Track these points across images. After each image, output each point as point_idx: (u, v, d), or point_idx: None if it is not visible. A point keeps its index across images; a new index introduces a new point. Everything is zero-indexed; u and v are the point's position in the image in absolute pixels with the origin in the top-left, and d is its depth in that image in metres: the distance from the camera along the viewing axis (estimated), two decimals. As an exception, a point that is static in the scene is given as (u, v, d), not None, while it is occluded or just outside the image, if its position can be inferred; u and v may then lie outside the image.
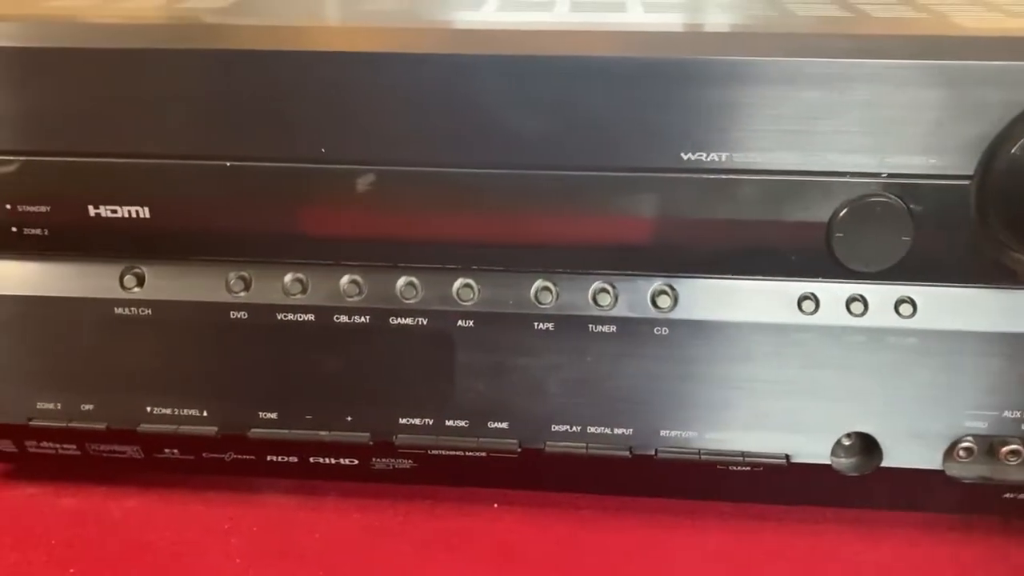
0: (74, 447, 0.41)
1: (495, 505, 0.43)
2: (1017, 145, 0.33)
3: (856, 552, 0.40)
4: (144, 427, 0.39)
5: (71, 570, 0.39)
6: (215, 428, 0.39)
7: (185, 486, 0.43)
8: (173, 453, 0.41)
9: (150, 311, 0.38)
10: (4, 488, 0.44)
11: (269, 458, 0.40)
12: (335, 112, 0.34)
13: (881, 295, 0.36)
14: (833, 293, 0.36)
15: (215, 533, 0.41)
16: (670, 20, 0.41)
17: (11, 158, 0.36)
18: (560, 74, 0.34)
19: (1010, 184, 0.33)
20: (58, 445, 0.41)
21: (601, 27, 0.39)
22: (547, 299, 0.37)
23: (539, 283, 0.37)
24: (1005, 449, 0.37)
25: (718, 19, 0.40)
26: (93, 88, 0.35)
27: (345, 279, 0.38)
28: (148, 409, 0.39)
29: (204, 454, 0.41)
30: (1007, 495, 0.38)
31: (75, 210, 0.37)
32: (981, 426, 0.37)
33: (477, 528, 0.41)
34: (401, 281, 0.38)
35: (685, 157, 0.34)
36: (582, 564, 0.39)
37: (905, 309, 0.36)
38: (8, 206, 0.37)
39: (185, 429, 0.39)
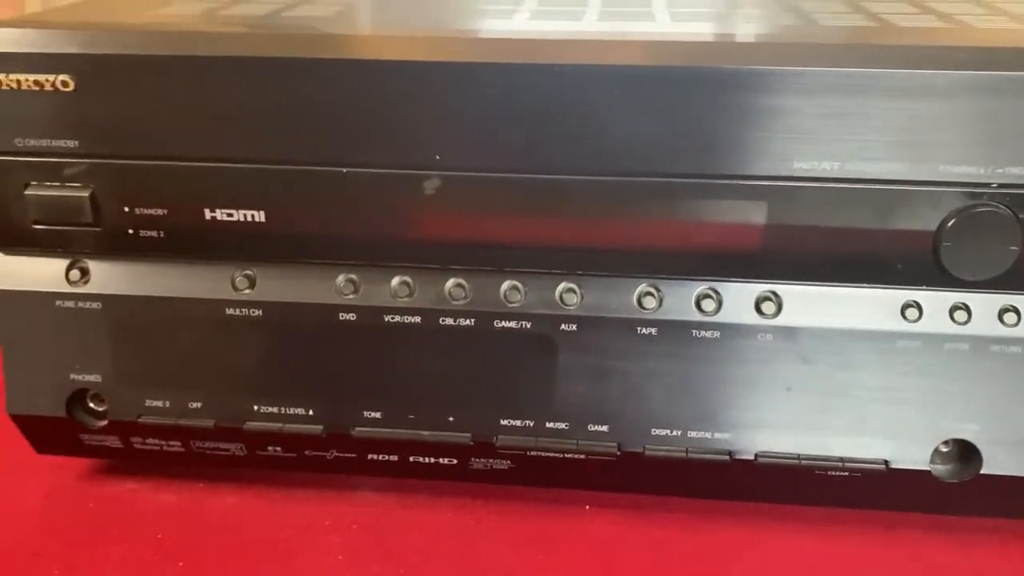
0: (179, 444, 0.42)
1: (587, 507, 0.43)
2: None
3: (949, 559, 0.40)
4: (250, 425, 0.41)
5: (180, 563, 0.40)
6: (320, 427, 0.40)
7: (281, 483, 0.44)
8: (276, 450, 0.42)
9: (260, 312, 0.39)
10: (103, 483, 0.45)
11: (370, 456, 0.41)
12: (450, 120, 0.35)
13: (985, 304, 0.36)
14: (937, 301, 0.37)
15: (315, 530, 0.42)
16: (757, 31, 0.42)
17: (130, 162, 0.37)
18: (672, 83, 0.34)
19: (1122, 195, 0.33)
20: (163, 442, 0.42)
21: (698, 37, 0.39)
22: (651, 304, 0.38)
23: (643, 288, 0.38)
24: (1105, 458, 0.38)
25: (819, 29, 0.41)
26: (212, 95, 0.36)
27: (451, 282, 0.39)
28: (255, 408, 0.40)
29: (307, 452, 0.41)
30: (1106, 504, 0.39)
31: (192, 213, 0.38)
32: (1083, 435, 0.37)
33: (572, 529, 0.42)
34: (506, 285, 0.38)
35: (797, 166, 0.35)
36: (678, 566, 0.40)
37: (1010, 318, 0.36)
38: (126, 209, 0.38)
39: (291, 427, 0.40)
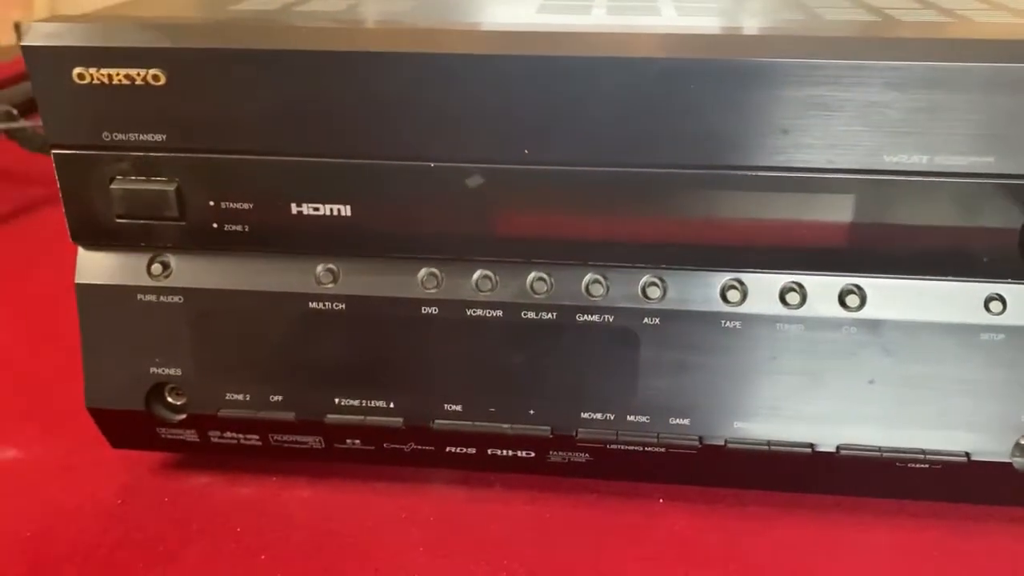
0: (256, 437, 0.42)
1: (660, 500, 0.44)
2: None
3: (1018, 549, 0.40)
4: (331, 418, 0.41)
5: (262, 556, 0.40)
6: (401, 419, 0.40)
7: (354, 477, 0.45)
8: (355, 443, 0.42)
9: (343, 306, 0.39)
10: (177, 478, 0.45)
11: (448, 449, 0.42)
12: (536, 115, 0.36)
13: (1069, 296, 0.37)
14: (1020, 295, 0.37)
15: (394, 523, 0.42)
16: (844, 18, 0.42)
17: (218, 156, 0.38)
18: (762, 77, 0.34)
19: None
20: (240, 435, 0.42)
21: (776, 31, 0.40)
22: (734, 297, 0.38)
23: (726, 281, 0.38)
24: None
25: (895, 22, 0.41)
26: (301, 90, 0.36)
27: (533, 276, 0.39)
28: (336, 400, 0.41)
29: (385, 444, 0.42)
30: None
31: (278, 208, 0.38)
32: None
33: (648, 522, 0.42)
34: (588, 278, 0.39)
35: (887, 159, 0.35)
36: (755, 558, 0.40)
37: (1094, 310, 0.37)
38: (211, 203, 0.39)
39: (371, 420, 0.41)
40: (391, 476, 0.45)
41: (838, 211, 0.36)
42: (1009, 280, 0.37)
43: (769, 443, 0.39)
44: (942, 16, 0.42)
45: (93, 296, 0.41)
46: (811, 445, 0.39)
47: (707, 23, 0.41)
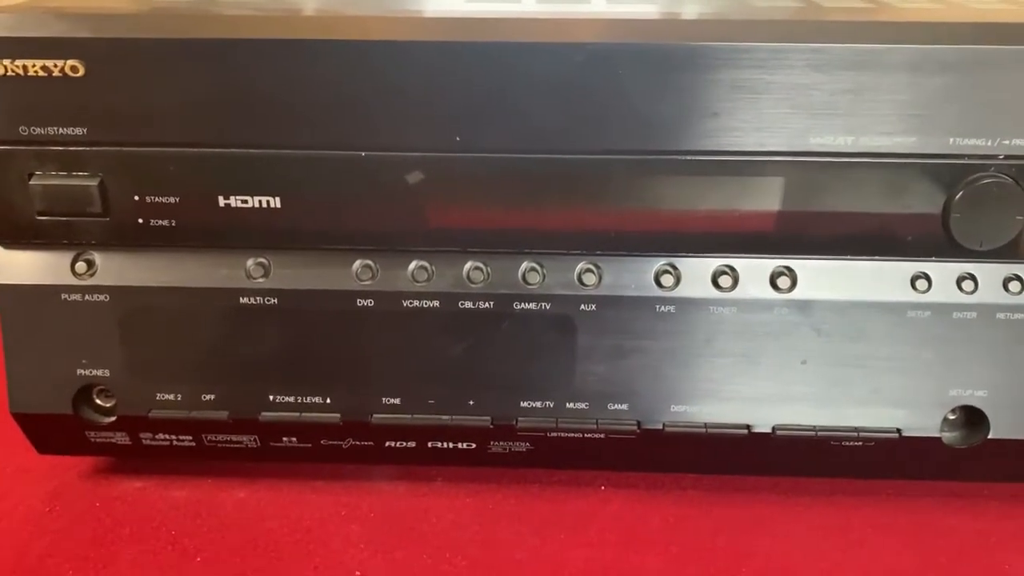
0: (190, 438, 0.41)
1: (602, 487, 0.44)
2: None
3: (959, 524, 0.41)
4: (266, 415, 0.40)
5: (197, 559, 0.39)
6: (338, 415, 0.40)
7: (291, 476, 0.44)
8: (291, 441, 0.41)
9: (276, 300, 0.39)
10: (111, 483, 0.44)
11: (387, 444, 0.41)
12: (468, 101, 0.35)
13: (991, 273, 0.38)
14: (945, 272, 0.38)
15: (333, 520, 0.41)
16: (755, 9, 0.43)
17: (141, 149, 0.37)
18: (688, 61, 0.35)
19: (1121, 164, 0.34)
20: (173, 437, 0.41)
21: (705, 16, 0.40)
22: (668, 282, 0.38)
23: (660, 266, 0.38)
24: (1104, 420, 0.39)
25: (824, 7, 0.42)
26: (227, 79, 0.35)
27: (469, 265, 0.39)
28: (270, 398, 0.40)
29: (322, 441, 0.41)
30: (1106, 464, 0.40)
31: (205, 201, 0.37)
32: (1084, 397, 0.39)
33: (590, 509, 0.42)
34: (524, 266, 0.39)
35: (813, 141, 0.35)
36: (697, 541, 0.40)
37: (1014, 286, 0.37)
38: (136, 198, 0.38)
39: (308, 417, 0.40)
40: (330, 474, 0.44)
41: (767, 194, 0.37)
42: (934, 258, 0.38)
43: (706, 425, 0.39)
44: (867, 3, 0.43)
45: (14, 297, 0.39)
46: (747, 426, 0.39)
47: (638, 9, 0.41)
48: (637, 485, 0.44)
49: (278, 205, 0.37)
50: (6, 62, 0.35)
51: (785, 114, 0.35)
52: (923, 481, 0.42)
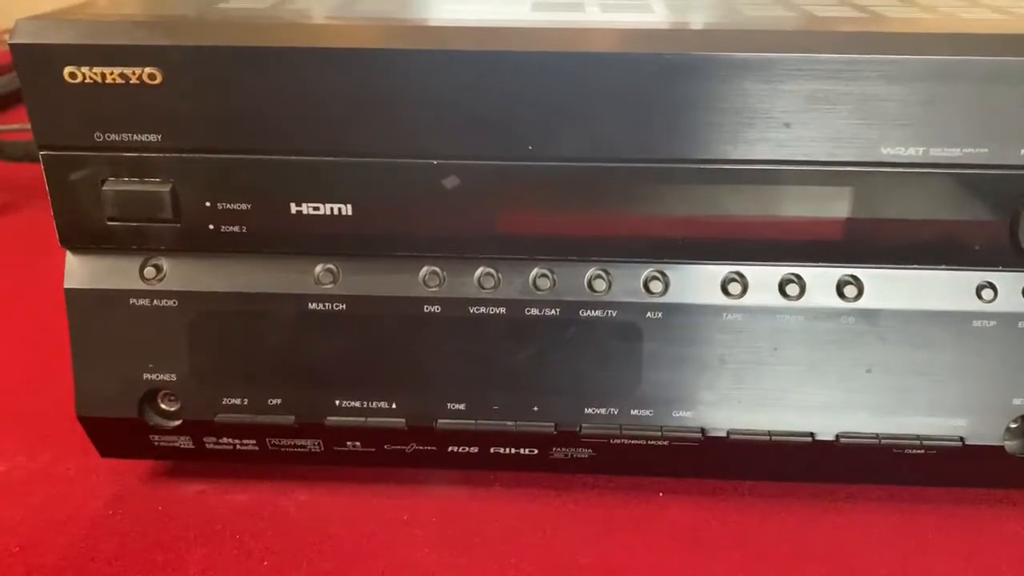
0: (253, 442, 0.42)
1: (660, 494, 0.44)
2: None
3: (1019, 531, 0.41)
4: (331, 420, 0.40)
5: (264, 563, 0.39)
6: (403, 420, 0.40)
7: (351, 480, 0.44)
8: (355, 446, 0.41)
9: (344, 306, 0.39)
10: (170, 486, 0.44)
11: (450, 449, 0.41)
12: (541, 110, 0.36)
13: (1057, 283, 0.38)
14: (1010, 281, 0.38)
15: (396, 524, 0.42)
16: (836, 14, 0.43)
17: (215, 156, 0.37)
18: (757, 71, 0.35)
19: None
20: (237, 441, 0.42)
21: (775, 27, 0.40)
22: (735, 290, 0.39)
23: (727, 274, 0.39)
24: None
25: (887, 18, 0.42)
26: (301, 88, 0.36)
27: (536, 272, 0.39)
28: (336, 402, 0.40)
29: (386, 446, 0.41)
30: None
31: (277, 208, 0.38)
32: None
33: (650, 515, 0.42)
34: (591, 273, 0.39)
35: (884, 151, 0.36)
36: (759, 547, 0.41)
37: (1080, 296, 0.38)
38: (208, 204, 0.38)
39: (373, 422, 0.40)
40: (388, 478, 0.44)
41: (836, 204, 0.37)
42: (1000, 268, 0.38)
43: (770, 433, 0.40)
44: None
45: (83, 301, 0.40)
46: (811, 434, 0.39)
47: (696, 18, 0.41)
48: (693, 491, 0.44)
49: (349, 212, 0.38)
50: (84, 69, 0.35)
51: (857, 124, 0.35)
52: (983, 489, 0.43)
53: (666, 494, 0.44)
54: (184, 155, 0.37)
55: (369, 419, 0.40)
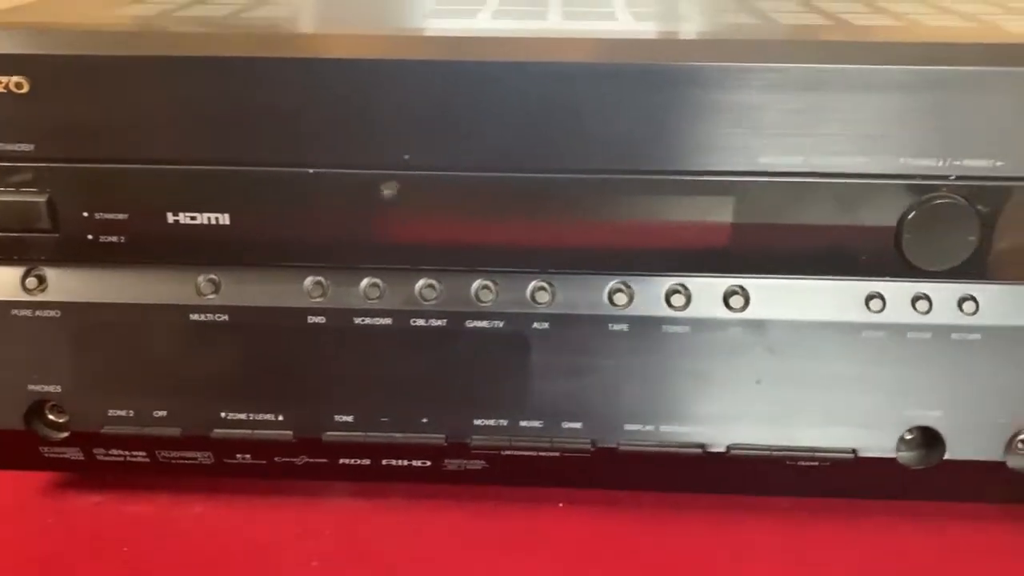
0: (143, 454, 0.41)
1: (560, 504, 0.43)
2: (1080, 147, 0.34)
3: (917, 543, 0.41)
4: (218, 432, 0.40)
5: (148, 577, 0.39)
6: (291, 432, 0.40)
7: (249, 492, 0.44)
8: (245, 458, 0.41)
9: (226, 316, 0.38)
10: (68, 498, 0.44)
11: (341, 461, 0.41)
12: (417, 119, 0.35)
13: (945, 293, 0.37)
14: (899, 292, 0.37)
15: (288, 537, 0.41)
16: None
17: (91, 166, 0.36)
18: (640, 80, 0.34)
19: (1074, 185, 0.34)
20: (127, 452, 0.41)
21: (675, 35, 0.40)
22: (621, 300, 0.38)
23: (613, 284, 0.38)
24: (1061, 440, 0.39)
25: (792, 25, 0.41)
26: (174, 96, 0.35)
27: (421, 283, 0.38)
28: (222, 415, 0.40)
29: (276, 458, 0.41)
30: (1063, 485, 0.40)
31: (154, 217, 0.37)
32: (1040, 418, 0.38)
33: (547, 527, 0.42)
34: (477, 284, 0.38)
35: (763, 161, 0.35)
36: (655, 558, 0.40)
37: (968, 307, 0.37)
38: (85, 214, 0.37)
39: (260, 434, 0.40)
40: (288, 490, 0.44)
41: (719, 213, 0.36)
42: (888, 278, 0.37)
43: (661, 444, 0.39)
44: (823, 19, 0.43)
45: (-35, 313, 0.39)
46: (702, 445, 0.39)
47: (597, 27, 0.41)
48: (595, 502, 0.43)
49: (227, 222, 0.37)
50: (-49, 78, 0.35)
51: (737, 133, 0.35)
52: (882, 500, 0.42)
53: (566, 505, 0.43)
54: (58, 165, 0.36)
55: (256, 431, 0.40)
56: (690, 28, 0.42)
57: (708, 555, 0.41)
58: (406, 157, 0.36)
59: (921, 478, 0.39)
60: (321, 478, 0.42)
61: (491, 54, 0.35)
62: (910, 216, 0.36)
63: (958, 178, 0.35)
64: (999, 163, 0.35)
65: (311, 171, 0.36)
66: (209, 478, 0.43)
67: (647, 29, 0.41)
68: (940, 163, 0.35)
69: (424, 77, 0.35)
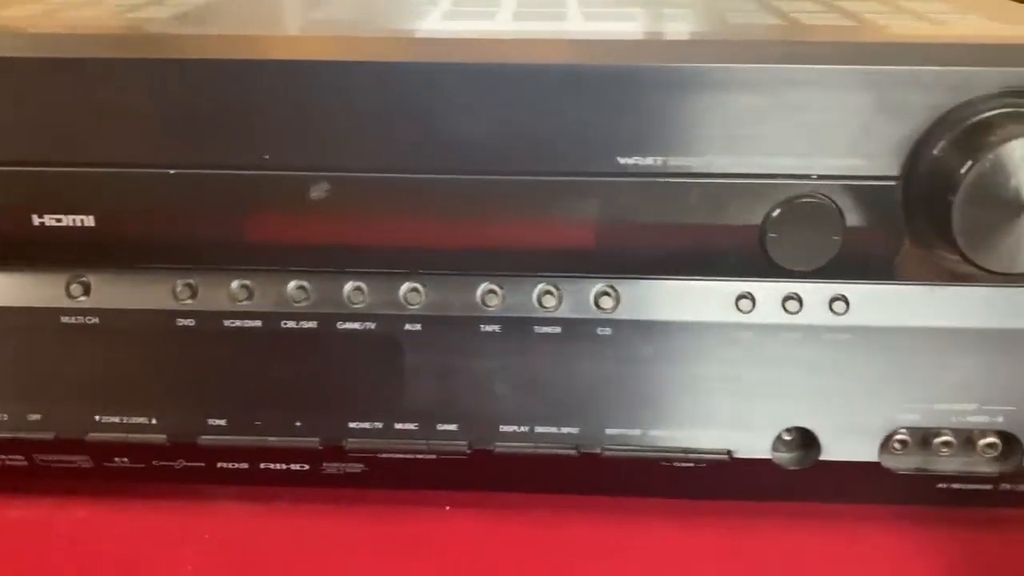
0: (21, 458, 0.41)
1: (447, 508, 0.43)
2: (938, 147, 0.34)
3: (804, 545, 0.41)
4: (92, 436, 0.39)
5: (19, 582, 0.39)
6: (164, 436, 0.39)
7: (137, 496, 0.43)
8: (123, 462, 0.41)
9: (97, 320, 0.38)
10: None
11: (219, 465, 0.40)
12: (278, 119, 0.35)
13: (815, 293, 0.37)
14: (769, 292, 0.37)
15: (167, 542, 0.41)
16: (608, 28, 0.42)
17: (-47, 168, 0.36)
18: (499, 81, 0.34)
19: (934, 185, 0.34)
20: (5, 456, 0.41)
21: (540, 35, 0.40)
22: (493, 302, 0.38)
23: (485, 286, 0.38)
24: (938, 440, 0.39)
25: (653, 27, 0.41)
26: (36, 97, 0.35)
27: (292, 284, 0.38)
28: (96, 418, 0.39)
29: (154, 462, 0.40)
30: (941, 485, 0.40)
31: (19, 219, 0.37)
32: (914, 419, 0.38)
33: (431, 531, 0.42)
34: (348, 286, 0.38)
35: (622, 161, 0.35)
36: (536, 564, 0.40)
37: (839, 307, 0.37)
38: (-51, 217, 0.37)
39: (134, 437, 0.39)
40: (177, 494, 0.43)
41: (585, 214, 0.36)
42: (757, 278, 0.37)
43: (536, 446, 0.39)
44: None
45: None
46: (576, 447, 0.39)
47: (460, 27, 0.41)
48: (483, 505, 0.43)
49: (92, 224, 0.37)
50: None
51: (597, 134, 0.35)
52: (772, 503, 0.42)
53: (453, 507, 0.43)
54: (-82, 167, 0.36)
55: (130, 435, 0.39)
56: (556, 28, 0.41)
57: (592, 557, 0.40)
58: (266, 157, 0.35)
59: (800, 479, 0.39)
60: (202, 482, 0.42)
61: (337, 54, 0.34)
62: (773, 215, 0.35)
63: (820, 177, 0.35)
64: (861, 162, 0.35)
65: (171, 172, 0.36)
66: (97, 482, 0.43)
67: (521, 29, 0.40)
68: (801, 162, 0.35)
69: (284, 78, 0.35)
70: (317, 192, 0.36)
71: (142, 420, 0.39)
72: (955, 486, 0.40)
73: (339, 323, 0.38)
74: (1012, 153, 0.32)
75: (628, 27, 0.43)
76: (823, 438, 0.38)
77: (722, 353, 0.38)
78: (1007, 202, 0.32)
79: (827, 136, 0.34)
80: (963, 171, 0.32)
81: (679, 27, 0.42)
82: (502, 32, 0.40)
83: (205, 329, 0.38)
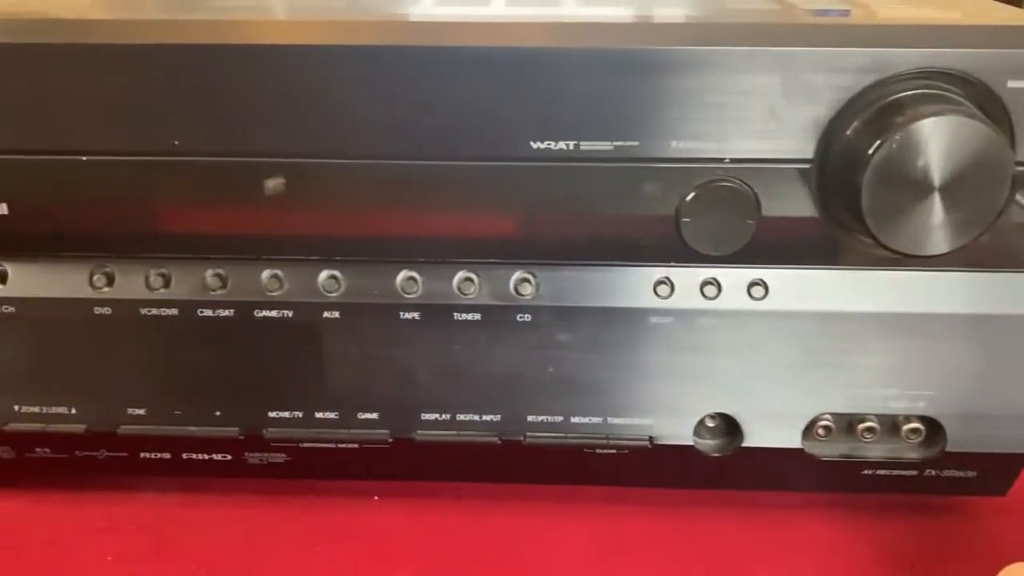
0: (-57, 449, 0.41)
1: (376, 497, 0.43)
2: (851, 128, 0.34)
3: (723, 531, 0.41)
4: (12, 426, 0.39)
5: (-64, 574, 0.38)
6: (83, 426, 0.39)
7: (65, 487, 0.43)
8: (45, 452, 0.40)
9: (13, 308, 0.38)
10: None
11: (142, 455, 0.40)
12: (187, 104, 0.35)
13: (734, 278, 0.37)
14: (687, 277, 0.37)
15: (89, 532, 0.41)
16: (531, 12, 0.42)
17: None
18: (411, 64, 0.34)
19: (846, 166, 0.34)
20: (-74, 448, 0.41)
21: (461, 18, 0.39)
22: (412, 289, 0.38)
23: (404, 273, 0.38)
24: (862, 426, 0.38)
25: (576, 11, 0.41)
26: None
27: (208, 272, 0.38)
28: (15, 408, 0.39)
29: (76, 452, 0.40)
30: (866, 472, 0.39)
31: (-70, 208, 0.37)
32: (836, 404, 0.38)
33: (359, 521, 0.41)
34: (265, 273, 0.38)
35: (535, 146, 0.35)
36: (458, 551, 0.40)
37: (757, 291, 0.37)
38: None
39: (53, 427, 0.39)
40: (103, 485, 0.43)
41: (501, 200, 0.36)
42: (674, 263, 0.37)
43: (457, 433, 0.39)
44: (632, 5, 0.42)
45: None
46: (498, 434, 0.39)
47: (382, 8, 0.40)
48: (412, 494, 0.43)
49: (5, 211, 0.37)
50: None
51: (507, 117, 0.34)
52: (704, 491, 0.42)
53: (382, 497, 0.43)
54: None
55: (49, 425, 0.39)
56: (464, 12, 0.41)
57: (520, 546, 0.40)
58: (176, 143, 0.35)
59: (724, 466, 0.39)
60: (126, 472, 0.42)
61: (245, 38, 0.34)
62: (687, 200, 0.35)
63: (732, 161, 0.35)
64: (774, 145, 0.34)
65: (84, 159, 0.36)
66: (22, 473, 0.43)
67: (428, 13, 0.40)
68: (712, 146, 0.35)
69: (187, 62, 0.34)
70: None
71: (61, 410, 0.39)
72: (880, 472, 0.39)
73: (257, 311, 0.38)
74: (919, 133, 0.32)
75: (549, 11, 0.42)
76: (745, 425, 0.38)
77: (642, 339, 0.37)
78: (915, 182, 0.32)
79: (739, 119, 0.34)
80: (871, 151, 0.32)
81: (599, 11, 0.42)
82: (421, 15, 0.40)
83: (122, 317, 0.38)
